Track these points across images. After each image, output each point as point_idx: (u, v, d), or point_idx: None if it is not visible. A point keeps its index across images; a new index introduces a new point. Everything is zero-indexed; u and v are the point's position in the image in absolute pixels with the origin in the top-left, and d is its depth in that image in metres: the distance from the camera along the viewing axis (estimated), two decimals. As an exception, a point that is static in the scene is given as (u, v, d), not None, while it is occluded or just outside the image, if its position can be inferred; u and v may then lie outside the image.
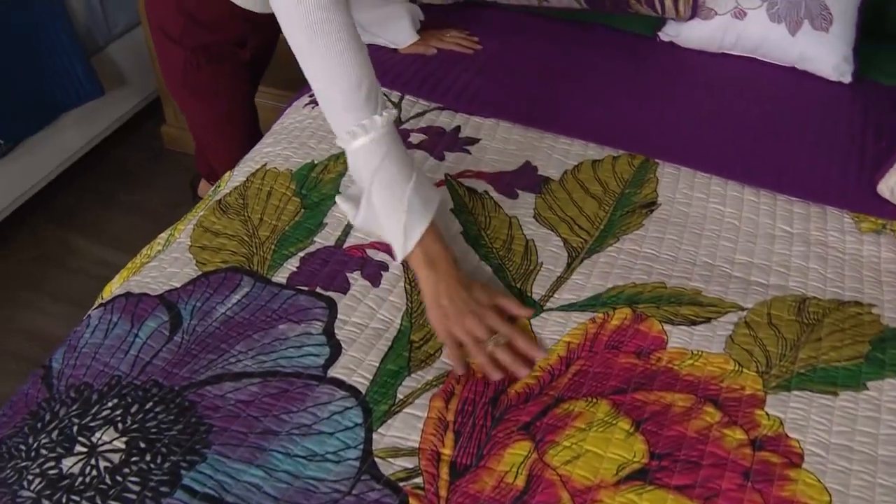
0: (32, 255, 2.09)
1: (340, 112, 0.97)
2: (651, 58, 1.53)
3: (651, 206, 1.19)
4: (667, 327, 1.01)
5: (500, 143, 1.30)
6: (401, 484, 0.84)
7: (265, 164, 1.25)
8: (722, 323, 1.01)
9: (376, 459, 0.87)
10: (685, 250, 1.12)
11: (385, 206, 0.97)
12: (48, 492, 0.84)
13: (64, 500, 0.83)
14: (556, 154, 1.28)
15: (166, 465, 0.86)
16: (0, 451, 0.88)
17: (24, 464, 0.87)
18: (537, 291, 1.06)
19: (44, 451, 0.88)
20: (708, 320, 1.02)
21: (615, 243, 1.13)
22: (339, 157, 1.26)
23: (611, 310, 1.03)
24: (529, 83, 1.43)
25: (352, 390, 0.93)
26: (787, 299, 1.05)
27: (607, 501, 0.83)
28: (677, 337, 1.00)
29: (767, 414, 0.91)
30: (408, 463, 0.86)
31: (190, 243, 1.12)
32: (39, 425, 0.90)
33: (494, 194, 1.20)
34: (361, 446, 0.88)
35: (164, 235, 1.17)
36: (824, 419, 0.90)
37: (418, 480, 0.85)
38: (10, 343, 1.87)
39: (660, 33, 1.56)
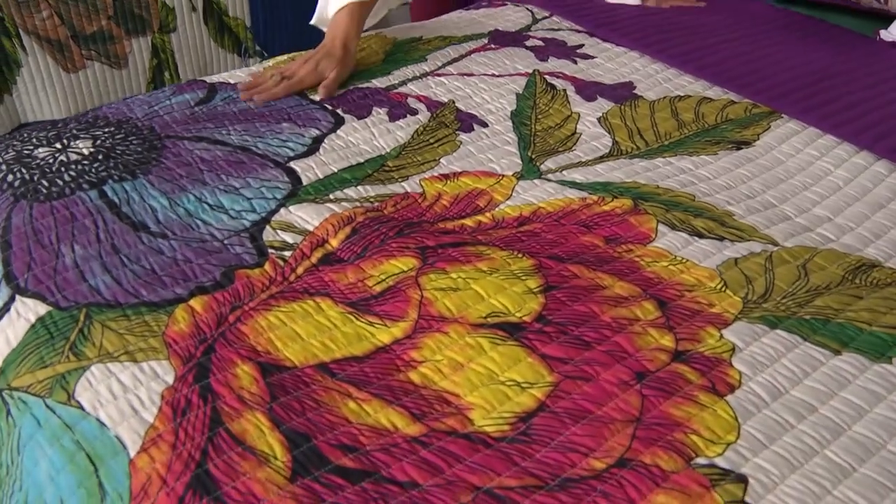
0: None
1: None
2: (858, 52, 1.24)
3: (742, 144, 0.97)
4: (662, 229, 0.80)
5: (614, 65, 1.16)
6: (269, 251, 0.77)
7: (380, 32, 1.26)
8: (737, 247, 0.78)
9: (268, 227, 0.81)
10: (751, 186, 0.89)
11: None
12: (12, 161, 0.91)
13: (15, 168, 0.90)
14: (668, 85, 1.11)
15: (103, 173, 0.89)
16: (21, 134, 0.99)
17: (17, 143, 0.96)
18: (548, 166, 0.92)
19: (34, 141, 0.96)
20: (720, 239, 0.79)
21: (669, 157, 0.94)
22: (447, 39, 1.22)
23: (610, 197, 0.85)
24: (690, 37, 1.24)
25: (295, 178, 0.88)
26: (849, 257, 0.78)
27: (452, 335, 0.67)
28: (669, 240, 0.79)
29: (721, 335, 0.68)
30: (290, 239, 0.79)
31: (272, 65, 1.17)
32: (50, 126, 0.99)
33: (572, 94, 1.07)
34: (264, 214, 0.83)
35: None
36: (798, 369, 0.65)
37: (287, 254, 0.77)
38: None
39: (882, 32, 1.27)
